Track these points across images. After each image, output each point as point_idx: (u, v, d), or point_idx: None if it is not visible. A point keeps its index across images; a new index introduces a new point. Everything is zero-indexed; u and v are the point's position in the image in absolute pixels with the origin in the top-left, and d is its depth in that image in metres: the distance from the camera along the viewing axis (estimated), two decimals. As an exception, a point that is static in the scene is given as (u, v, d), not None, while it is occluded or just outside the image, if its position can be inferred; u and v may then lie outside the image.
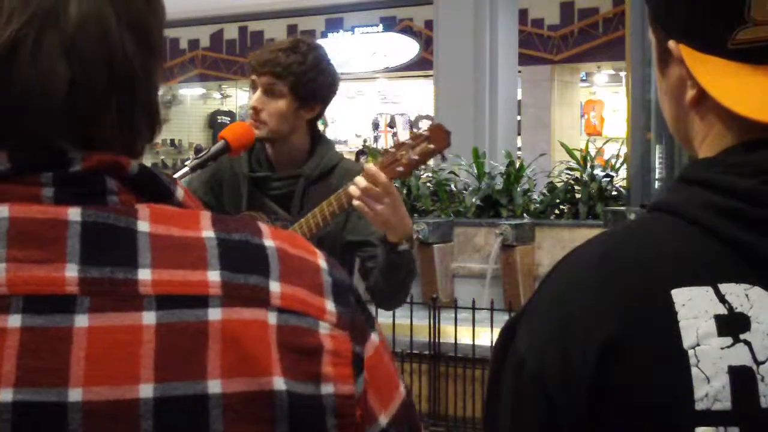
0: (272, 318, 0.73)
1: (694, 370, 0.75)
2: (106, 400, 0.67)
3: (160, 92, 0.80)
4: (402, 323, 4.48)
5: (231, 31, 12.81)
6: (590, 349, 0.77)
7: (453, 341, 4.43)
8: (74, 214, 0.70)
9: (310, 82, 2.31)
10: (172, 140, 14.47)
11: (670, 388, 0.76)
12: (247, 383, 0.70)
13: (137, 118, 0.76)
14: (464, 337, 4.41)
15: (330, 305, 0.76)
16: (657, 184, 5.07)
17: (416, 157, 2.14)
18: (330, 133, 13.95)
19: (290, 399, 0.72)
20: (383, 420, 0.78)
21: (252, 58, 2.33)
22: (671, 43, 0.85)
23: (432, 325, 4.47)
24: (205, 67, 13.13)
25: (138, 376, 0.68)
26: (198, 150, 12.30)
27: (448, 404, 4.48)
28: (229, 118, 14.03)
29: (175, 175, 2.15)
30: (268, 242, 0.76)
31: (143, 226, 0.72)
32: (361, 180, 2.11)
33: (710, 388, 0.75)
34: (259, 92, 2.30)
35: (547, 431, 0.79)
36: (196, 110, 14.73)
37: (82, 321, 0.68)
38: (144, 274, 0.70)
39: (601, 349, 0.77)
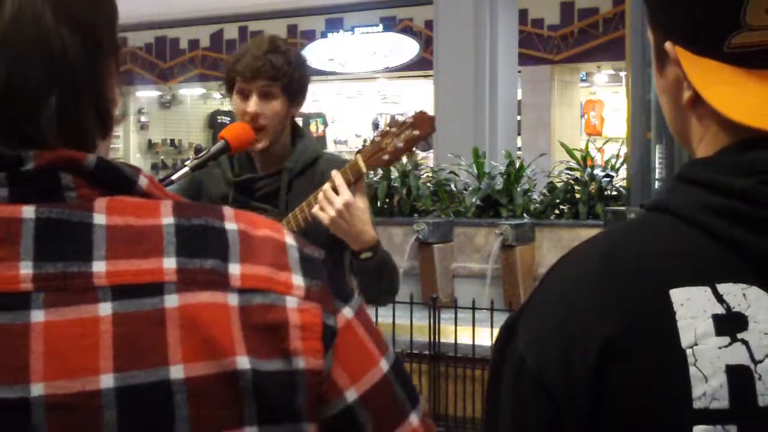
0: (233, 299, 0.73)
1: (692, 369, 0.75)
2: (68, 393, 0.68)
3: (115, 88, 0.81)
4: (402, 323, 4.48)
5: (231, 31, 12.81)
6: (590, 350, 0.77)
7: (453, 341, 4.42)
8: (28, 212, 0.71)
9: (299, 80, 2.35)
10: (172, 140, 14.46)
11: (668, 387, 0.76)
12: (209, 366, 0.71)
13: (83, 113, 0.76)
14: (464, 337, 4.41)
15: (297, 279, 0.76)
16: (657, 184, 5.06)
17: (401, 145, 2.15)
18: (330, 133, 13.97)
19: (256, 378, 0.72)
20: (350, 395, 0.77)
21: (238, 66, 2.32)
22: (668, 45, 0.85)
23: (432, 325, 4.47)
24: (205, 67, 13.13)
25: (97, 367, 0.69)
26: (198, 150, 12.27)
27: (448, 404, 4.48)
28: (229, 118, 14.00)
29: (175, 176, 2.16)
30: (230, 225, 0.77)
31: (99, 218, 0.73)
32: (326, 187, 2.15)
33: (708, 387, 0.75)
34: (255, 98, 2.31)
35: (547, 431, 0.79)
36: (196, 110, 14.73)
37: (38, 316, 0.69)
38: (98, 267, 0.71)
39: (600, 349, 0.77)
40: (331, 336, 0.76)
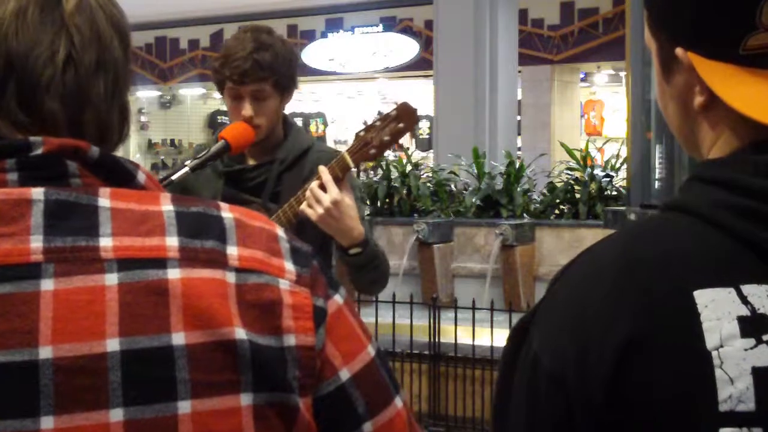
0: (231, 277, 0.78)
1: (717, 372, 0.74)
2: (75, 355, 0.72)
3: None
4: (402, 323, 4.48)
5: (231, 31, 12.67)
6: (608, 348, 0.76)
7: (453, 341, 4.42)
8: (37, 193, 0.76)
9: (288, 73, 2.33)
10: (172, 140, 14.46)
11: (693, 388, 0.75)
12: (209, 334, 0.75)
13: (114, 107, 0.84)
14: (464, 337, 4.40)
15: (289, 266, 0.82)
16: (657, 184, 5.06)
17: (387, 138, 2.18)
18: (330, 133, 13.97)
19: (252, 348, 0.76)
20: (344, 374, 0.82)
21: (225, 69, 2.29)
22: (679, 51, 0.83)
23: (432, 325, 4.47)
24: (205, 67, 13.11)
25: (104, 331, 0.73)
26: (198, 150, 12.24)
27: (448, 404, 4.47)
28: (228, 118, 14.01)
29: (175, 176, 2.16)
30: (226, 214, 0.82)
31: (104, 202, 0.77)
32: (313, 185, 2.16)
33: (734, 389, 0.74)
34: (247, 102, 2.29)
35: (563, 429, 0.78)
36: (196, 110, 14.73)
37: (47, 285, 0.73)
38: (105, 242, 0.76)
39: (619, 347, 0.76)
40: (321, 316, 0.81)
